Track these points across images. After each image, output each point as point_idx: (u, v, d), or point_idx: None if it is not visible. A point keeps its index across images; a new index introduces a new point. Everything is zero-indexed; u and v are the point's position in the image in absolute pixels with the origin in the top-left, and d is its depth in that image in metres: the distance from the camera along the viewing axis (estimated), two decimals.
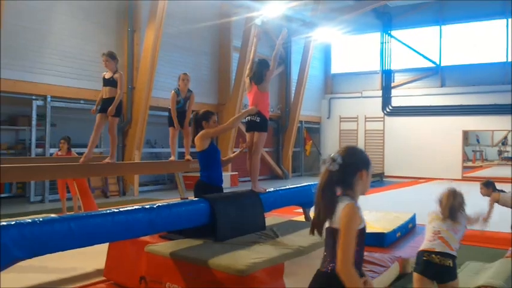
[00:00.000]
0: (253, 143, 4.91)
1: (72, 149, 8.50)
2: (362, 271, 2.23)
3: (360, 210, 2.15)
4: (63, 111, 11.54)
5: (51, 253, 3.01)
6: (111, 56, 5.75)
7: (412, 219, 7.10)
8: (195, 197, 4.44)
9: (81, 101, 11.47)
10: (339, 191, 2.22)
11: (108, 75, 5.74)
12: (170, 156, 7.03)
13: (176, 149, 7.10)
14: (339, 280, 2.05)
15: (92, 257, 4.89)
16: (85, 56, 11.39)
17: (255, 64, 4.93)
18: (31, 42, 10.57)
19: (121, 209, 3.49)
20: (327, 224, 2.23)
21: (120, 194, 12.40)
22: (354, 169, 2.20)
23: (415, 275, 3.43)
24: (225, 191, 4.74)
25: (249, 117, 4.86)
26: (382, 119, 20.18)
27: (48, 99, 10.94)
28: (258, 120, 4.82)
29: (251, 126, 4.89)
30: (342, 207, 2.13)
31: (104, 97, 5.74)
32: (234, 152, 5.31)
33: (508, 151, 21.08)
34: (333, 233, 2.17)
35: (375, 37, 20.55)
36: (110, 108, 5.60)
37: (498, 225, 6.40)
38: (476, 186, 5.83)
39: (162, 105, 12.56)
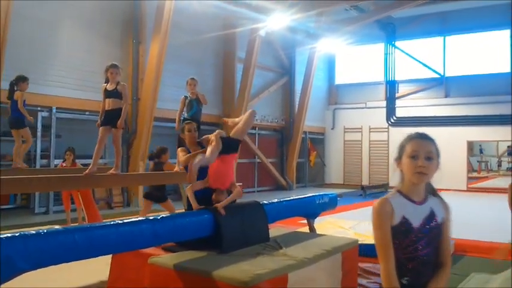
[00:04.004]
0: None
1: (77, 161, 8.52)
2: (417, 274, 2.05)
3: (391, 204, 2.00)
4: (68, 122, 11.60)
5: (55, 264, 3.01)
6: (119, 67, 5.78)
7: None
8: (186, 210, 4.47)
9: (86, 113, 11.52)
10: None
11: (111, 86, 5.64)
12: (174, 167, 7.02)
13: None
14: None
15: (96, 269, 4.89)
16: (90, 67, 11.45)
17: None
18: (36, 54, 10.67)
19: (125, 221, 3.49)
20: None
21: (124, 205, 12.40)
22: (395, 160, 2.11)
23: None
24: None
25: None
26: (387, 130, 20.15)
27: (54, 110, 11.01)
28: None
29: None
30: None
31: (107, 109, 5.65)
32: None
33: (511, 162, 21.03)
34: None
35: (379, 48, 20.59)
36: (119, 122, 5.58)
37: (501, 236, 6.37)
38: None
39: (167, 116, 12.62)
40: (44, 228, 3.11)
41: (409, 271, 2.04)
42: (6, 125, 10.59)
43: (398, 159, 2.08)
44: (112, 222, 3.42)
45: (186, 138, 4.59)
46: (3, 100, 9.18)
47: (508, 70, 17.86)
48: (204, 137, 4.61)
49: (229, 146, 4.28)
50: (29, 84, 7.33)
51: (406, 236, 2.02)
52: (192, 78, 6.84)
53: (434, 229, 2.06)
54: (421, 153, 1.99)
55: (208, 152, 4.12)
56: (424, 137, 2.06)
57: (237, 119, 4.53)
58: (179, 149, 4.56)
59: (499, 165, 22.16)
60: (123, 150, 10.77)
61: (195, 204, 4.20)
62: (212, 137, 4.26)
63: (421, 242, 2.04)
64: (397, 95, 20.33)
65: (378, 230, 1.99)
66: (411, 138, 2.06)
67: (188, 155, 4.42)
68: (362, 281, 4.88)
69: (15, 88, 7.16)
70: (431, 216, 2.07)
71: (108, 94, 5.66)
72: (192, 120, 6.01)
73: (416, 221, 2.03)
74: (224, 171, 4.29)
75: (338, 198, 6.34)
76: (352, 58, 21.60)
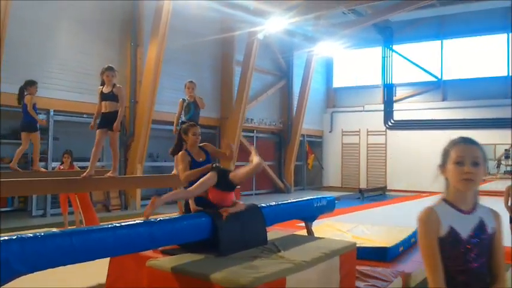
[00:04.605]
0: None
1: (75, 163, 8.51)
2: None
3: (436, 213, 1.90)
4: (66, 125, 11.57)
5: (52, 268, 3.00)
6: (115, 70, 5.77)
7: (415, 234, 7.04)
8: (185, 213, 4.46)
9: (84, 115, 11.51)
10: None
11: (107, 89, 5.67)
12: (172, 170, 7.01)
13: None
14: None
15: (94, 271, 4.87)
16: (88, 70, 11.44)
17: None
18: (34, 56, 10.66)
19: (122, 224, 3.48)
20: None
21: (121, 208, 12.37)
22: (439, 167, 1.99)
23: None
24: None
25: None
26: (384, 133, 20.18)
27: (51, 113, 10.99)
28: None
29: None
30: None
31: (103, 111, 5.67)
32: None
33: (510, 165, 21.03)
34: None
35: (377, 51, 20.66)
36: (115, 124, 5.58)
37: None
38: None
39: (165, 119, 12.62)
40: (42, 231, 3.10)
41: (460, 284, 1.91)
42: (6, 127, 10.63)
43: (442, 166, 1.97)
44: (109, 225, 3.41)
45: (188, 140, 4.57)
46: (2, 102, 9.20)
47: (505, 73, 17.94)
48: (207, 144, 4.65)
49: (226, 185, 4.25)
50: (37, 88, 7.37)
51: (454, 247, 1.90)
52: (191, 82, 6.88)
53: (484, 240, 1.94)
54: (467, 159, 1.88)
55: (194, 187, 4.06)
56: (469, 141, 1.94)
57: (256, 157, 4.42)
58: (180, 156, 4.48)
59: (498, 167, 22.16)
60: (120, 153, 10.75)
61: (192, 206, 4.22)
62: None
63: (471, 254, 1.91)
64: (394, 98, 20.39)
65: (423, 240, 1.89)
66: (455, 143, 1.95)
67: (190, 172, 4.37)
68: (360, 284, 4.87)
69: (25, 92, 7.21)
70: (481, 226, 1.94)
71: (104, 97, 5.67)
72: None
73: (464, 232, 1.91)
74: (223, 198, 4.30)
75: (336, 201, 6.33)
76: (350, 61, 21.66)
